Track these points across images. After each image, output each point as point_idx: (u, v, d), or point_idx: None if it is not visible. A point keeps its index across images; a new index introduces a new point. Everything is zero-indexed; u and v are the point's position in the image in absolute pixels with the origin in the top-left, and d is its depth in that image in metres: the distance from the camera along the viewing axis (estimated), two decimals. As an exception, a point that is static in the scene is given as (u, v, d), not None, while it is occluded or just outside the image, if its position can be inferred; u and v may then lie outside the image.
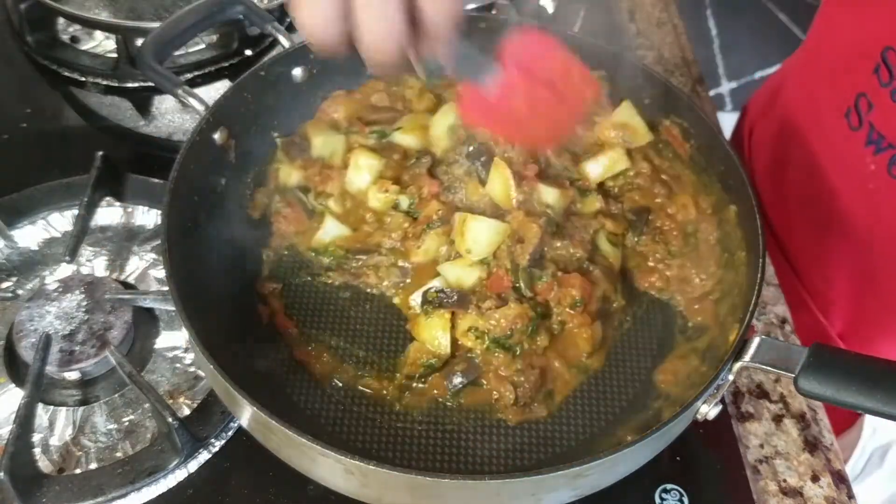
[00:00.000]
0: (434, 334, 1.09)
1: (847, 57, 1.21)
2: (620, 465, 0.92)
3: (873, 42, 1.13)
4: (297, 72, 1.25)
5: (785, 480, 1.11)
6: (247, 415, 0.91)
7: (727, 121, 1.41)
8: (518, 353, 1.08)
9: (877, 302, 1.30)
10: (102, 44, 1.57)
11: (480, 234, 1.12)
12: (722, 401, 0.96)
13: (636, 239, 1.20)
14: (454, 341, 1.10)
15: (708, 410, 0.95)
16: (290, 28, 1.62)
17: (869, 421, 1.40)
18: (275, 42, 1.55)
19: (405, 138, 1.25)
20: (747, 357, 0.92)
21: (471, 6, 1.49)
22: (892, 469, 1.41)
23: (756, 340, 0.93)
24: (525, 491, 0.88)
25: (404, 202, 1.19)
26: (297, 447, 0.88)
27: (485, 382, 1.08)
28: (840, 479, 1.12)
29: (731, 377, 0.93)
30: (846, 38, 1.22)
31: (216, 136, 1.15)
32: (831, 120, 1.24)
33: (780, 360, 0.90)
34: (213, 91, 1.52)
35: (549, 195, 1.17)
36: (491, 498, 0.88)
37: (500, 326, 1.07)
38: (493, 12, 1.53)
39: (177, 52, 1.24)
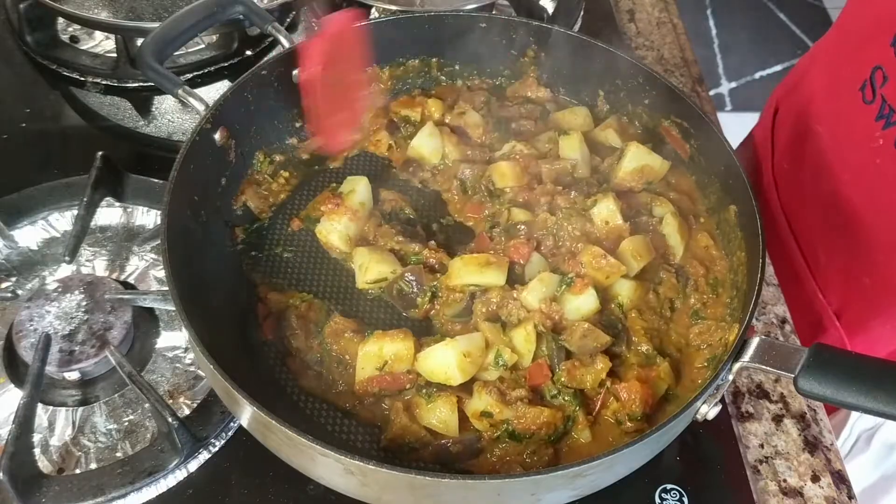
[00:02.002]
0: (440, 417, 1.01)
1: (868, 29, 1.23)
2: (619, 466, 0.92)
3: (892, 13, 1.14)
4: (298, 72, 1.25)
5: (785, 480, 1.11)
6: (247, 415, 0.91)
7: (727, 121, 1.42)
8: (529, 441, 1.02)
9: (872, 278, 1.31)
10: (102, 44, 1.57)
11: (432, 363, 1.03)
12: (722, 400, 0.96)
13: (682, 294, 1.14)
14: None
15: (708, 410, 0.94)
16: (290, 28, 1.62)
17: None
18: (275, 42, 1.55)
19: None
20: (747, 357, 0.92)
21: (471, 6, 1.49)
22: (879, 452, 1.40)
23: (755, 341, 0.93)
24: (524, 490, 0.88)
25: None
26: (296, 447, 0.88)
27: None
28: (840, 479, 1.12)
29: (730, 377, 0.93)
30: (868, 10, 1.24)
31: (216, 136, 1.15)
32: (848, 93, 1.25)
33: (780, 360, 0.90)
34: (214, 91, 1.51)
35: (622, 287, 1.11)
36: (491, 498, 0.88)
37: (523, 424, 1.00)
38: (494, 12, 1.53)
39: (177, 53, 1.24)
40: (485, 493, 0.86)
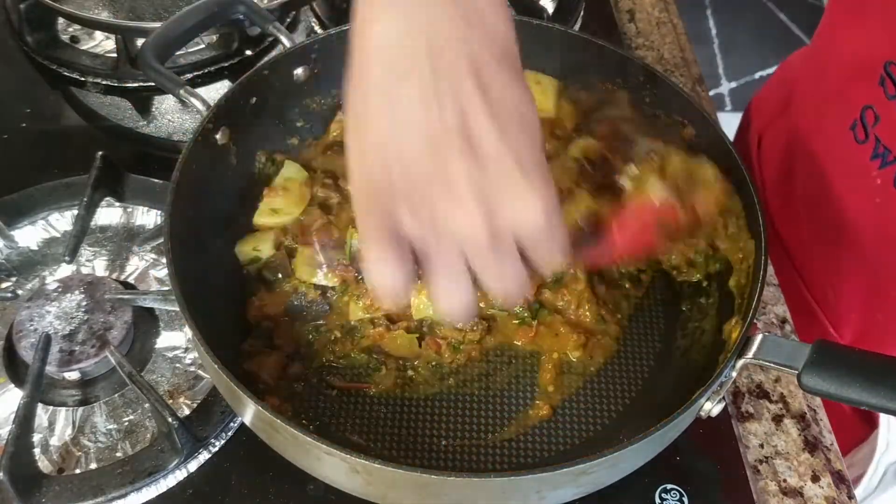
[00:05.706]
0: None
1: (853, 69, 1.20)
2: (625, 462, 0.92)
3: (876, 56, 1.12)
4: (300, 71, 1.25)
5: (785, 480, 1.11)
6: (251, 414, 0.91)
7: (727, 121, 1.41)
8: None
9: (885, 314, 1.29)
10: (102, 44, 1.57)
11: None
12: (723, 399, 0.96)
13: None
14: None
15: (712, 407, 0.95)
16: (291, 28, 1.62)
17: (882, 436, 1.37)
18: (275, 42, 1.55)
19: None
20: (750, 354, 0.92)
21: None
22: None
23: (759, 337, 0.93)
24: (530, 488, 0.88)
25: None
26: (301, 446, 0.87)
27: None
28: (840, 479, 1.12)
29: (734, 374, 0.93)
30: (851, 49, 1.22)
31: (218, 136, 1.14)
32: (837, 132, 1.23)
33: (784, 356, 0.90)
34: (214, 91, 1.51)
35: None
36: (496, 496, 0.88)
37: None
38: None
39: (177, 53, 1.24)
40: (491, 490, 0.86)
